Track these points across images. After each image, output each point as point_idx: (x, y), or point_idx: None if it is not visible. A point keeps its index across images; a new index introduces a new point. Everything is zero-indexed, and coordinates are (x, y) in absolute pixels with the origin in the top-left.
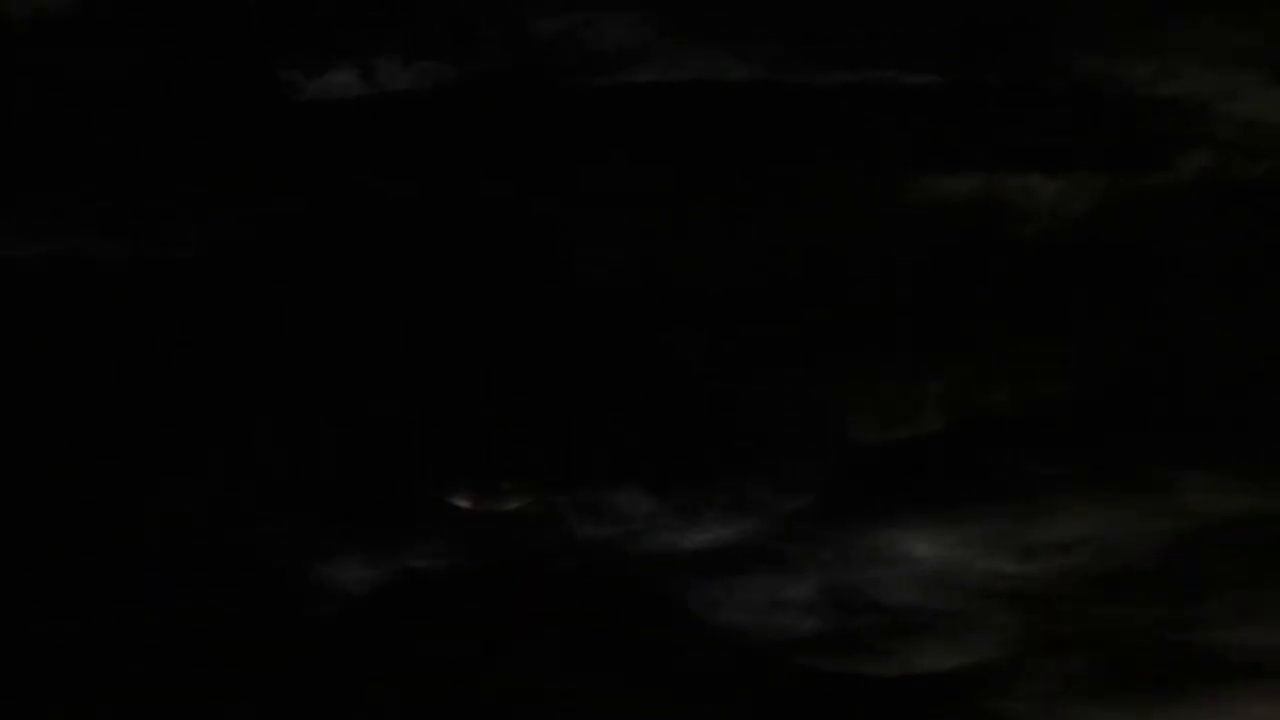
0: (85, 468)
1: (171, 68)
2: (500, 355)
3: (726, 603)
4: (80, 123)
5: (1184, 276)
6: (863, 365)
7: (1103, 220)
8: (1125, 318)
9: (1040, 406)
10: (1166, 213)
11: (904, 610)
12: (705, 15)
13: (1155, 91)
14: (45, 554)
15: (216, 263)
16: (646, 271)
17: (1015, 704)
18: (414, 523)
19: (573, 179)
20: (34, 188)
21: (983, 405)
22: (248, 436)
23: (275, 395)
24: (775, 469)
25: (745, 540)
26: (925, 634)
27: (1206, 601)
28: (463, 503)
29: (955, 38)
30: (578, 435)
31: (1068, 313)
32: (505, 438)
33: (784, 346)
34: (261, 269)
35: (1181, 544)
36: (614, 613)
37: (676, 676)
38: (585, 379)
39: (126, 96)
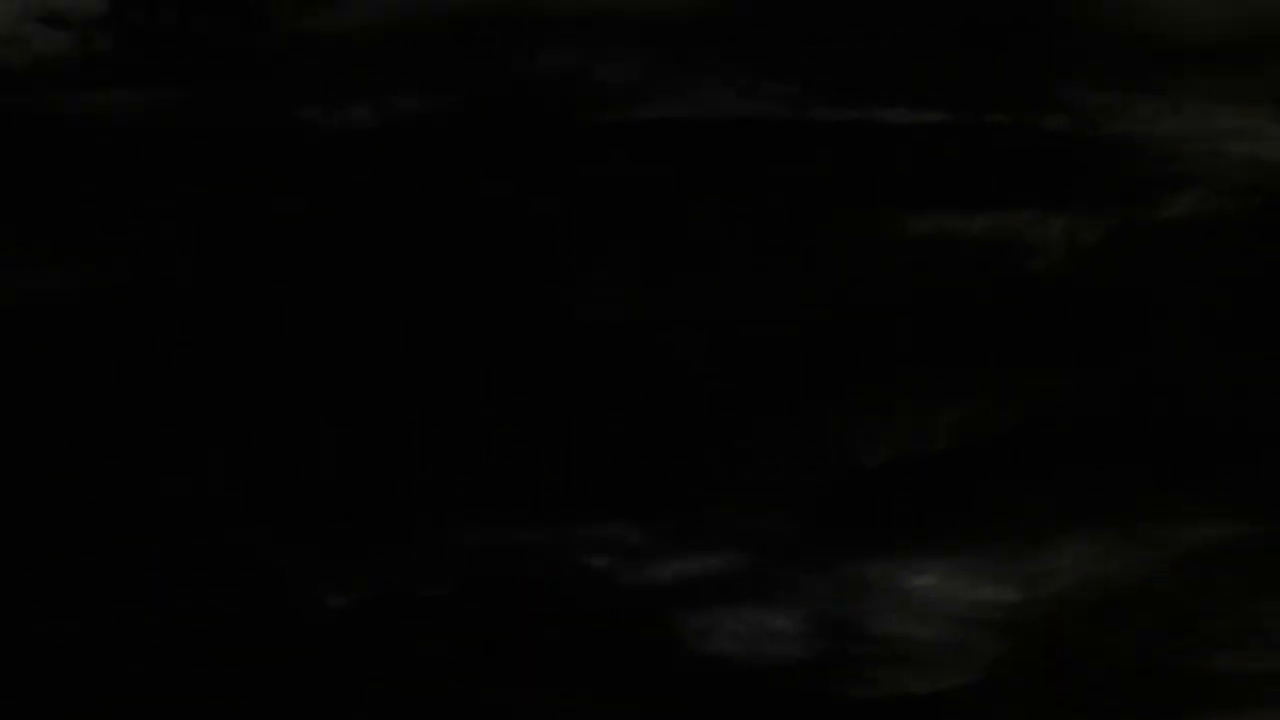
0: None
1: (175, 108)
2: (492, 383)
3: (716, 631)
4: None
5: (1183, 313)
6: (859, 395)
7: (1105, 257)
8: (1126, 353)
9: (1038, 438)
10: (1167, 250)
11: (895, 639)
12: (713, 52)
13: (1158, 129)
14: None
15: (218, 272)
16: (644, 304)
17: None
18: (401, 546)
19: (575, 211)
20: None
21: (977, 436)
22: (245, 443)
23: (274, 406)
24: (766, 497)
25: (735, 569)
26: (917, 663)
27: (1201, 631)
28: (452, 528)
29: (963, 75)
30: (566, 463)
31: (1070, 347)
32: (492, 465)
33: (781, 377)
34: (258, 286)
35: (1176, 574)
36: (601, 641)
37: (665, 704)
38: (575, 408)
39: (131, 138)
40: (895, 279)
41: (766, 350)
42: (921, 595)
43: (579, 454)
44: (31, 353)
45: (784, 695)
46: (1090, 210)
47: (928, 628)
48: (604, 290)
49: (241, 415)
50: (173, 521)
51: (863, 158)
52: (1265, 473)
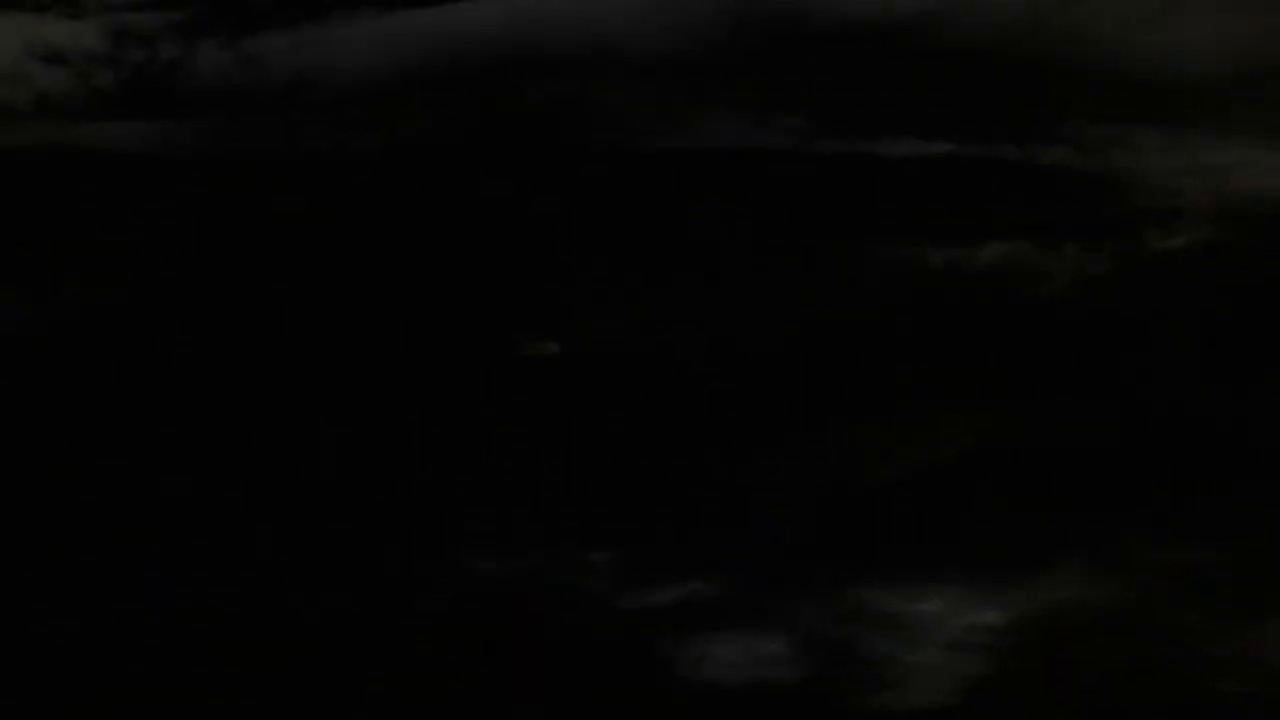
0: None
1: (173, 141)
2: (483, 413)
3: (709, 655)
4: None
5: (1182, 341)
6: (853, 422)
7: (1108, 286)
8: (1122, 380)
9: (1032, 464)
10: (1169, 279)
11: (886, 662)
12: (729, 84)
13: (1162, 161)
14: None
15: (216, 296)
16: (643, 332)
17: None
18: (394, 574)
19: (574, 240)
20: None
21: (970, 462)
22: (250, 461)
23: (275, 432)
24: (752, 523)
25: (727, 594)
26: (903, 686)
27: (1183, 653)
28: (448, 553)
29: (970, 108)
30: (561, 488)
31: (1069, 375)
32: (488, 491)
33: (777, 404)
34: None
35: (1159, 598)
36: (595, 665)
37: None
38: (572, 434)
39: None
40: (899, 307)
41: (762, 378)
42: (911, 619)
43: (574, 479)
44: (37, 372)
45: (776, 718)
46: (1094, 240)
47: (918, 651)
48: (603, 319)
49: (245, 436)
50: (174, 531)
51: (870, 188)
52: (1256, 499)
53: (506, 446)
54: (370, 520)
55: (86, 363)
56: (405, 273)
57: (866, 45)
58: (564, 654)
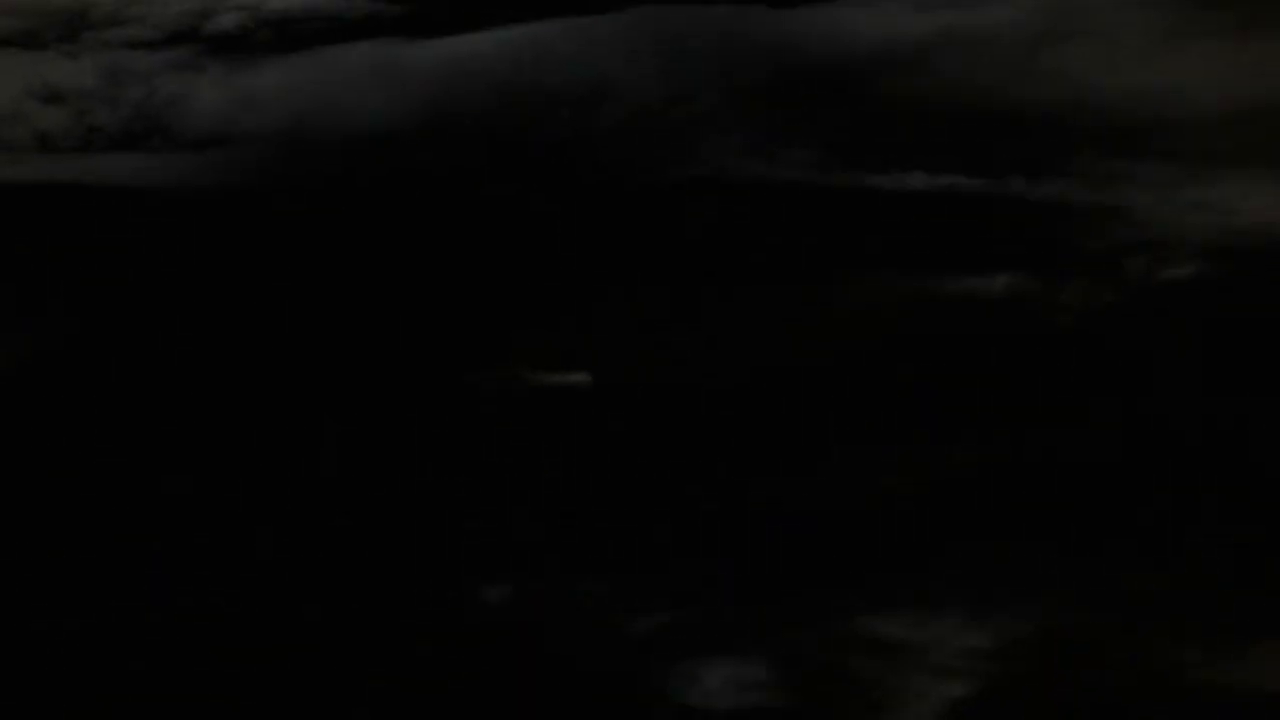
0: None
1: (169, 175)
2: (475, 444)
3: (695, 682)
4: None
5: (1182, 374)
6: (840, 450)
7: (1111, 318)
8: (1120, 411)
9: (1021, 491)
10: (1172, 311)
11: (870, 687)
12: (733, 118)
13: (1169, 195)
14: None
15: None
16: (633, 363)
17: None
18: (383, 609)
19: (592, 273)
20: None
21: (959, 487)
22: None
23: (270, 461)
24: (741, 548)
25: (713, 620)
26: (891, 712)
27: (1165, 681)
28: (433, 586)
29: (980, 142)
30: (547, 519)
31: (1065, 404)
32: (475, 523)
33: (767, 432)
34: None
35: (1153, 626)
36: (580, 692)
37: None
38: (557, 464)
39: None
40: (904, 338)
41: (760, 406)
42: (901, 644)
43: (560, 510)
44: (37, 399)
45: None
46: (1097, 273)
47: (907, 676)
48: (608, 349)
49: (252, 453)
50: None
51: (875, 221)
52: (1252, 530)
53: (501, 472)
54: (370, 543)
55: (82, 393)
56: (409, 304)
57: (866, 78)
58: (553, 678)
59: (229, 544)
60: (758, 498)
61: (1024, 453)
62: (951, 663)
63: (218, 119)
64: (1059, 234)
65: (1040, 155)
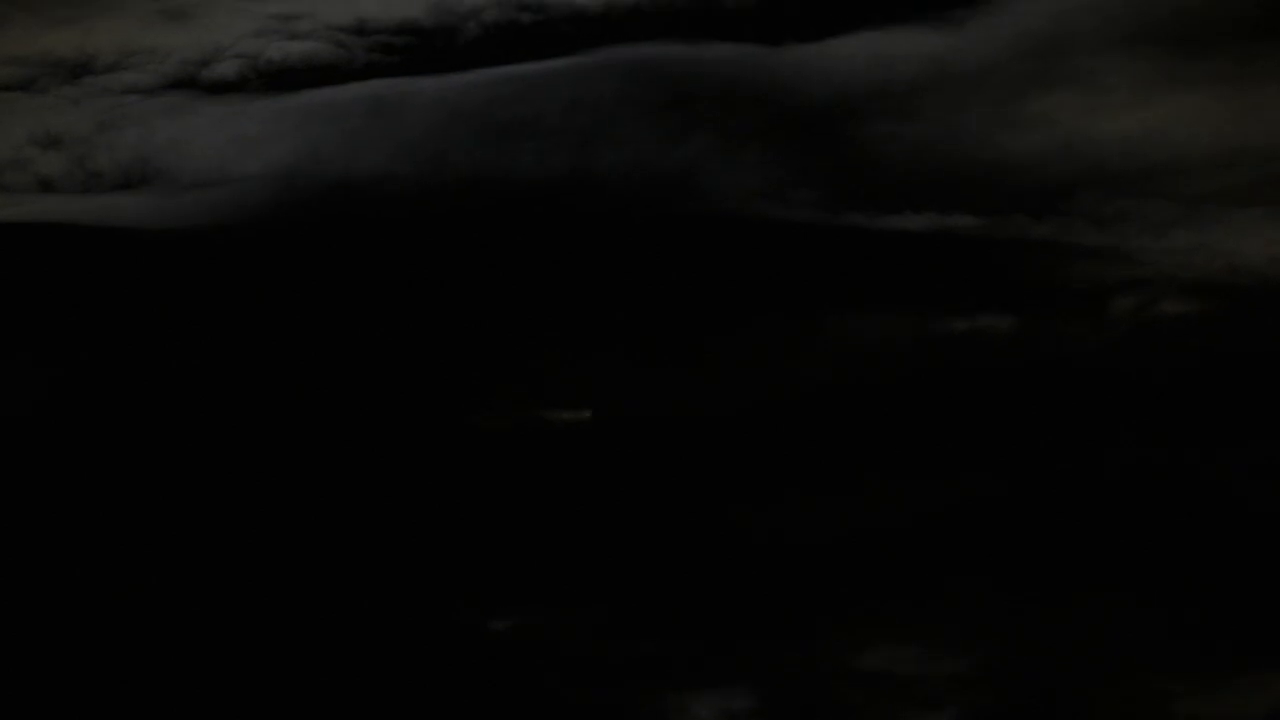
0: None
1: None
2: (477, 480)
3: (681, 714)
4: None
5: (1180, 408)
6: (823, 483)
7: (1111, 354)
8: (1120, 444)
9: (1003, 524)
10: (1169, 347)
11: (857, 716)
12: (740, 157)
13: (1171, 234)
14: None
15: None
16: (634, 400)
17: None
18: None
19: (592, 310)
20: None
21: (945, 520)
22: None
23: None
24: (730, 581)
25: (698, 650)
26: None
27: (1151, 712)
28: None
29: (975, 182)
30: (536, 548)
31: (1046, 441)
32: (466, 551)
33: (754, 466)
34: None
35: (1126, 654)
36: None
37: None
38: (553, 500)
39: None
40: (894, 373)
41: (748, 442)
42: (886, 672)
43: (560, 542)
44: (44, 430)
45: None
46: (1094, 311)
47: (890, 706)
48: (601, 385)
49: (248, 494)
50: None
51: (878, 260)
52: (1221, 569)
53: (503, 507)
54: (377, 576)
55: (84, 428)
56: (409, 343)
57: (861, 119)
58: (548, 706)
59: (233, 577)
60: (752, 531)
61: (1018, 489)
62: (940, 694)
63: (215, 162)
64: (1054, 273)
65: (1034, 197)
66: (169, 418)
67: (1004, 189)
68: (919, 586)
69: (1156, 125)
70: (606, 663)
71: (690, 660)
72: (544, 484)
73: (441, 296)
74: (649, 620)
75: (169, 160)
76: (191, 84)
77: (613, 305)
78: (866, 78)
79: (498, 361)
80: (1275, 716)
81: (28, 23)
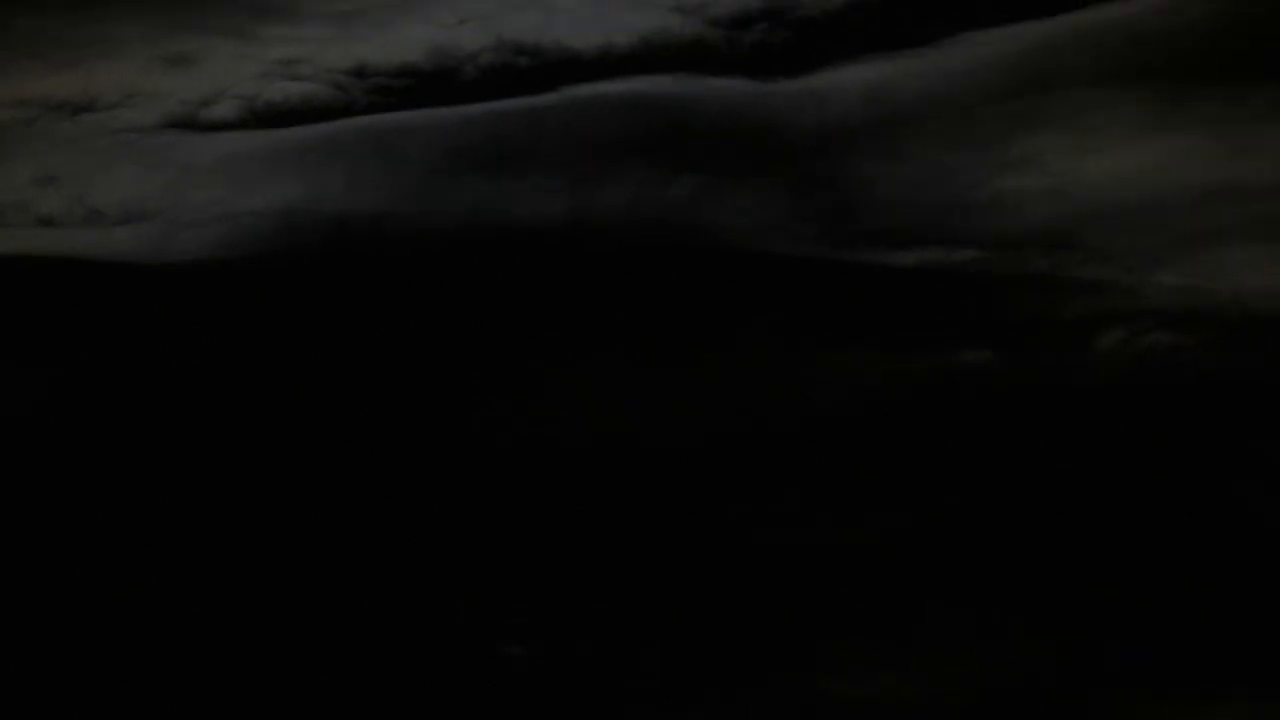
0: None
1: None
2: (470, 512)
3: None
4: None
5: (1144, 442)
6: (801, 511)
7: (1089, 390)
8: (1080, 479)
9: (982, 553)
10: (1145, 382)
11: None
12: (733, 193)
13: (1152, 272)
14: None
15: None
16: (621, 430)
17: None
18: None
19: (582, 344)
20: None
21: (924, 550)
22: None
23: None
24: (716, 610)
25: (677, 679)
26: None
27: None
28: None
29: (962, 219)
30: (519, 570)
31: (1026, 472)
32: (462, 573)
33: (730, 490)
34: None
35: (1101, 679)
36: None
37: None
38: (537, 520)
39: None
40: (878, 405)
41: (732, 472)
42: (865, 701)
43: (532, 561)
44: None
45: None
46: (1081, 344)
47: None
48: (592, 416)
49: (251, 524)
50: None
51: (866, 295)
52: (1195, 595)
53: (478, 532)
54: (384, 609)
55: (83, 465)
56: (403, 376)
57: (851, 156)
58: None
59: (238, 601)
60: (735, 561)
61: (997, 519)
62: (902, 714)
63: (214, 199)
64: (1046, 309)
65: (1027, 233)
66: (168, 454)
67: (997, 225)
68: (902, 616)
69: (1149, 162)
70: (599, 690)
71: (668, 689)
72: (537, 512)
73: (441, 334)
74: (639, 647)
75: (168, 198)
76: (190, 124)
77: (611, 338)
78: (855, 114)
79: (497, 398)
80: None
81: (31, 67)
